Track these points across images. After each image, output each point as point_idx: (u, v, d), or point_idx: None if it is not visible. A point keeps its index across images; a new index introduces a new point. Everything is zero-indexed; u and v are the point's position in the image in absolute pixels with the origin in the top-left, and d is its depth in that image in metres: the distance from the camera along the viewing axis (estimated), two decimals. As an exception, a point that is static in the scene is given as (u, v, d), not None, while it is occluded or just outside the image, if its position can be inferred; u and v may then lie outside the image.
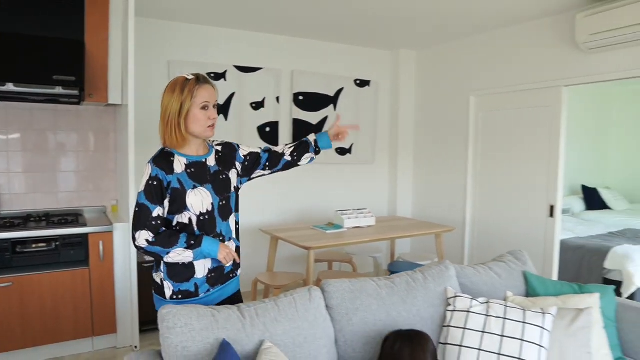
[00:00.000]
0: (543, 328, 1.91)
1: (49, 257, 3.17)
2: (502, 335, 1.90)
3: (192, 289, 1.81)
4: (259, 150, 2.03)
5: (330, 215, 5.12)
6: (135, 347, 3.42)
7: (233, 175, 1.93)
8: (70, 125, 3.79)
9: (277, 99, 4.70)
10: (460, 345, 1.93)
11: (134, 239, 1.73)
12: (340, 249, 4.71)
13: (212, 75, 4.33)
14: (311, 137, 2.09)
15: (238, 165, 1.97)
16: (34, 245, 3.12)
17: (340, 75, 5.08)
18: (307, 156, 2.08)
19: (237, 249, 1.96)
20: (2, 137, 3.57)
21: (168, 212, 1.77)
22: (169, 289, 1.80)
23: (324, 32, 4.56)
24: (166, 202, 1.75)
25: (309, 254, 3.41)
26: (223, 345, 1.52)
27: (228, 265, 1.88)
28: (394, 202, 5.46)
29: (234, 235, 1.94)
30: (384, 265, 5.23)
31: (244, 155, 1.99)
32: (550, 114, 3.89)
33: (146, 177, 1.73)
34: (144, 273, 3.56)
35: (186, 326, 1.54)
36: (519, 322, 1.93)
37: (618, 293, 4.10)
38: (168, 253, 1.72)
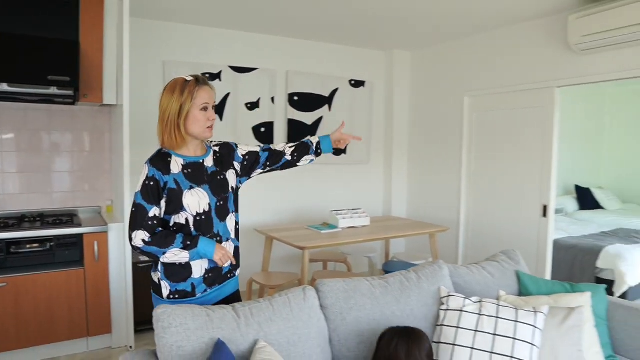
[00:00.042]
0: (535, 327, 1.93)
1: (44, 257, 3.17)
2: (495, 334, 1.92)
3: (189, 289, 1.82)
4: (258, 149, 2.03)
5: (325, 215, 5.14)
6: (130, 347, 3.42)
7: (231, 175, 1.94)
8: (65, 125, 3.78)
9: (272, 99, 4.71)
10: (454, 344, 1.95)
11: (130, 239, 1.74)
12: (335, 248, 4.73)
13: (207, 75, 4.33)
14: (313, 139, 2.10)
15: (237, 165, 1.98)
16: (28, 246, 3.11)
17: (335, 76, 5.10)
18: (307, 158, 2.09)
19: (237, 249, 1.97)
20: (-4, 138, 3.57)
21: (165, 213, 1.79)
22: (166, 288, 1.82)
23: (319, 32, 4.58)
24: (163, 203, 1.76)
25: (303, 254, 3.42)
26: (218, 344, 1.54)
27: (226, 265, 1.89)
28: (389, 202, 5.48)
29: (232, 236, 1.94)
30: (378, 265, 5.25)
31: (242, 155, 1.99)
32: (543, 114, 3.92)
33: (143, 178, 1.75)
34: (139, 273, 3.56)
35: (181, 326, 1.56)
36: (511, 321, 1.95)
37: (610, 292, 4.14)
38: (164, 253, 1.74)
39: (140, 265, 3.60)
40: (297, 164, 2.09)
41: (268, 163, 2.04)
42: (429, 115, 5.19)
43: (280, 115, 4.80)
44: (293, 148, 2.06)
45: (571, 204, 6.54)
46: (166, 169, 1.77)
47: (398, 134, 5.43)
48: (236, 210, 1.98)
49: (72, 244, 3.24)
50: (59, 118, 3.75)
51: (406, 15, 3.93)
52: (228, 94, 4.47)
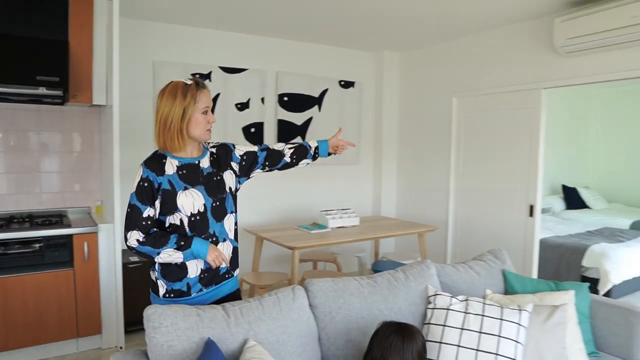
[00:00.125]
0: (519, 324, 1.97)
1: (33, 258, 3.15)
2: (480, 332, 1.96)
3: (184, 289, 1.84)
4: (256, 149, 2.05)
5: (315, 215, 5.17)
6: (121, 347, 3.42)
7: (228, 176, 1.96)
8: (54, 125, 3.77)
9: (262, 99, 4.73)
10: (440, 342, 1.99)
11: (125, 239, 1.78)
12: (325, 248, 4.76)
13: (198, 75, 4.34)
14: (312, 143, 2.13)
15: (234, 165, 1.99)
16: (17, 247, 3.10)
17: (325, 77, 5.12)
18: (305, 161, 2.13)
19: (235, 250, 1.98)
20: (-16, 138, 3.55)
21: (160, 213, 1.81)
22: (162, 287, 1.84)
23: (308, 33, 4.60)
24: (157, 203, 1.79)
25: (293, 253, 3.44)
26: (208, 343, 1.56)
27: (223, 266, 1.91)
28: (378, 202, 5.52)
29: (230, 236, 1.95)
30: (368, 265, 5.29)
31: (240, 155, 2.01)
32: (530, 115, 3.98)
33: (138, 179, 1.78)
34: (129, 274, 3.56)
35: (172, 325, 1.57)
36: (497, 318, 1.99)
37: (595, 290, 4.22)
38: (158, 253, 1.76)
39: (130, 265, 3.60)
40: (296, 166, 2.13)
41: (267, 163, 2.07)
42: (418, 115, 5.24)
43: (270, 115, 4.82)
44: (292, 150, 2.09)
45: (558, 203, 6.63)
46: (160, 170, 1.79)
47: (387, 134, 5.47)
48: (235, 211, 1.99)
49: (62, 245, 3.23)
50: (47, 118, 3.74)
51: (395, 16, 3.97)
52: (218, 95, 4.47)
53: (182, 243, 1.77)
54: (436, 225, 4.92)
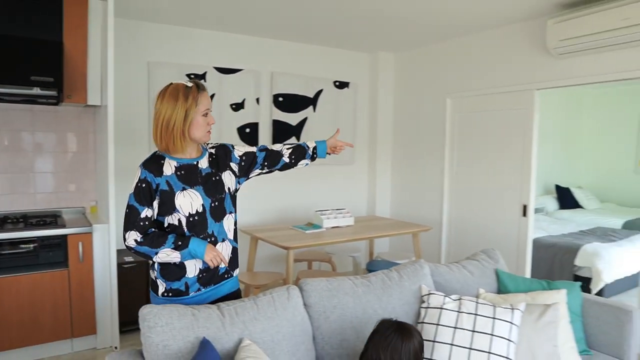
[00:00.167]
0: (512, 323, 1.99)
1: (28, 258, 3.15)
2: (473, 331, 1.99)
3: (183, 288, 1.86)
4: (255, 150, 2.07)
5: (310, 215, 5.18)
6: (115, 347, 3.42)
7: (227, 176, 1.97)
8: (48, 126, 3.76)
9: (257, 100, 4.74)
10: (434, 341, 2.01)
11: (124, 239, 1.80)
12: (320, 248, 4.78)
13: (192, 76, 4.34)
14: (310, 144, 2.15)
15: (234, 166, 2.01)
16: (11, 247, 3.09)
17: (320, 77, 5.14)
18: (303, 162, 2.14)
19: (234, 250, 2.00)
20: (-22, 138, 3.54)
21: (158, 214, 1.83)
22: (161, 285, 1.86)
23: (303, 34, 4.62)
24: (155, 204, 1.81)
25: (288, 253, 3.46)
26: (203, 343, 1.57)
27: (222, 266, 1.92)
28: (373, 202, 5.54)
29: (229, 236, 1.96)
30: (362, 264, 5.31)
31: (239, 156, 2.03)
32: (523, 116, 4.01)
33: (136, 180, 1.80)
34: (124, 274, 3.57)
35: (167, 325, 1.58)
36: (489, 317, 2.01)
37: (587, 289, 4.25)
38: (156, 253, 1.78)
39: (125, 265, 3.60)
40: (295, 166, 2.14)
41: (266, 163, 2.08)
42: (412, 116, 5.27)
43: (265, 116, 4.83)
44: (291, 150, 2.11)
45: (551, 203, 6.67)
46: (158, 171, 1.80)
47: (382, 134, 5.49)
48: (234, 211, 2.01)
49: (56, 245, 3.23)
50: (42, 118, 3.73)
51: (390, 17, 3.99)
52: (213, 95, 4.48)
53: (180, 243, 1.78)
54: (430, 225, 4.94)
